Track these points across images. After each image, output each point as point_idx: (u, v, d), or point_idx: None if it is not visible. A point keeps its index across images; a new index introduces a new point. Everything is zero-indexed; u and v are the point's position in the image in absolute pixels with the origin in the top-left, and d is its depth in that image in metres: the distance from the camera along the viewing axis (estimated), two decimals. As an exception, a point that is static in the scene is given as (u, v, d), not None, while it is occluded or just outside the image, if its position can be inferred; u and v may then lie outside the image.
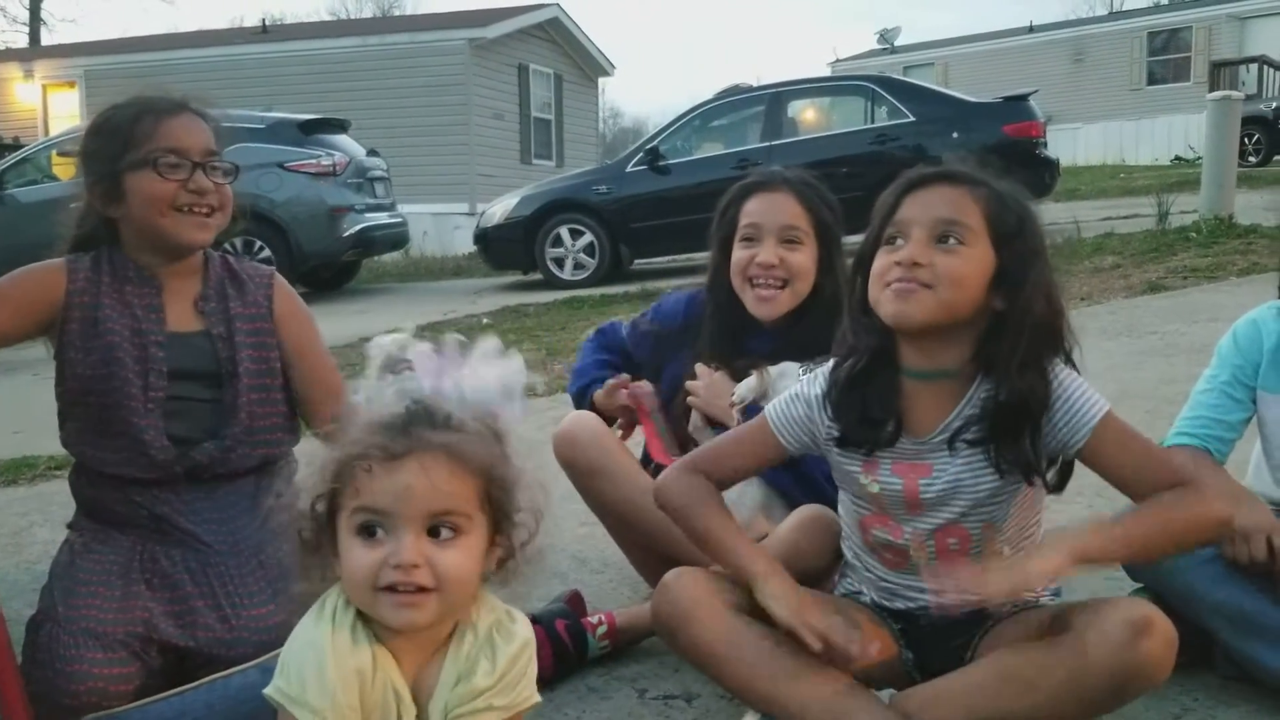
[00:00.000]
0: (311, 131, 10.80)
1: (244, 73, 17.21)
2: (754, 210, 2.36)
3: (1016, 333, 1.68)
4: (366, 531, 1.29)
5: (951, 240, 1.68)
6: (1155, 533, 1.65)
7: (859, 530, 1.91)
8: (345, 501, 1.31)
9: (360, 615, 1.34)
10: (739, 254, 2.35)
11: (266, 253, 10.14)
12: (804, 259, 2.33)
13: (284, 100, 14.05)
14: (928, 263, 1.67)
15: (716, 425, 2.35)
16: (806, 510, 2.10)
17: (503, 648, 1.39)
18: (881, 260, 1.73)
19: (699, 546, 1.88)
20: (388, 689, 1.34)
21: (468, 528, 1.33)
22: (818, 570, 2.01)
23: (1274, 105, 19.51)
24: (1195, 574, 1.88)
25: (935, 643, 1.86)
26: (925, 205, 1.71)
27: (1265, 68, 22.72)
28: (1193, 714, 1.88)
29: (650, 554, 2.37)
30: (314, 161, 10.39)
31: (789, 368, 2.23)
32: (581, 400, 2.53)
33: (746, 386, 2.28)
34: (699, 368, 2.40)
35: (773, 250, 2.31)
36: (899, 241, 1.72)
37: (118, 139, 1.99)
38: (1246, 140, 15.88)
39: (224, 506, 2.03)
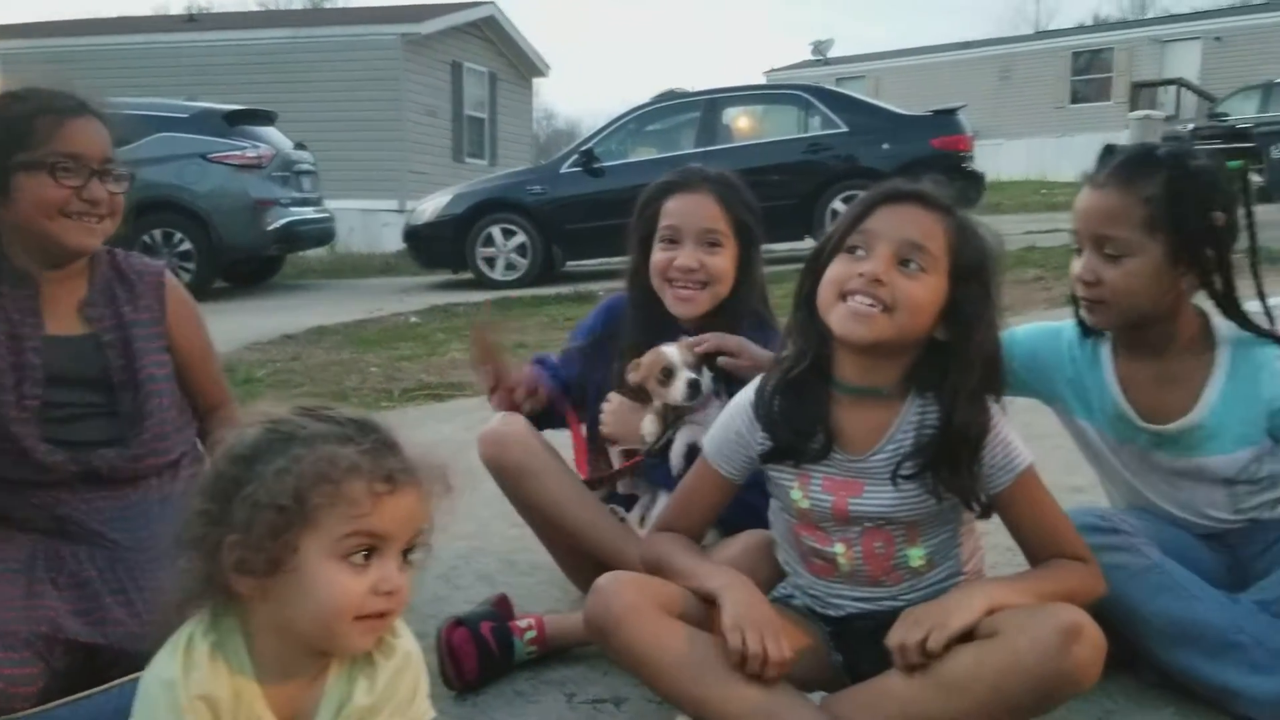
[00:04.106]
0: (237, 122, 10.62)
1: (168, 61, 16.85)
2: (674, 211, 2.34)
3: (966, 367, 1.70)
4: (359, 557, 1.25)
5: (914, 265, 1.68)
6: (1060, 596, 1.70)
7: (790, 537, 1.92)
8: (325, 523, 1.24)
9: (219, 648, 1.29)
10: (659, 255, 2.34)
11: (186, 245, 9.95)
12: (723, 262, 2.32)
13: (209, 90, 13.75)
14: (889, 282, 1.67)
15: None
16: (749, 536, 2.08)
17: (383, 664, 1.35)
18: (841, 267, 1.72)
19: (681, 585, 1.85)
20: None
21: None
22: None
23: (1191, 126, 20.07)
24: (1130, 585, 1.89)
25: (865, 645, 1.85)
26: (895, 222, 1.71)
27: (1183, 90, 23.41)
28: (1115, 716, 1.91)
29: (578, 556, 2.35)
30: (239, 153, 10.22)
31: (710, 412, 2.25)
32: None
33: (648, 427, 2.29)
34: (611, 395, 2.39)
35: (692, 254, 2.30)
36: (860, 252, 1.71)
37: (12, 134, 1.90)
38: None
39: (130, 507, 1.96)
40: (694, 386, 2.21)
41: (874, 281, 1.67)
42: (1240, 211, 1.99)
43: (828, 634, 1.90)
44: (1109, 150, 2.03)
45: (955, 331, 1.71)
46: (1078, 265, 1.99)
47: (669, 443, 2.27)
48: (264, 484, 1.23)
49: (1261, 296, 2.06)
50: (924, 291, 1.68)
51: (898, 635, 1.67)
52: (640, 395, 2.31)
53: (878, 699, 1.70)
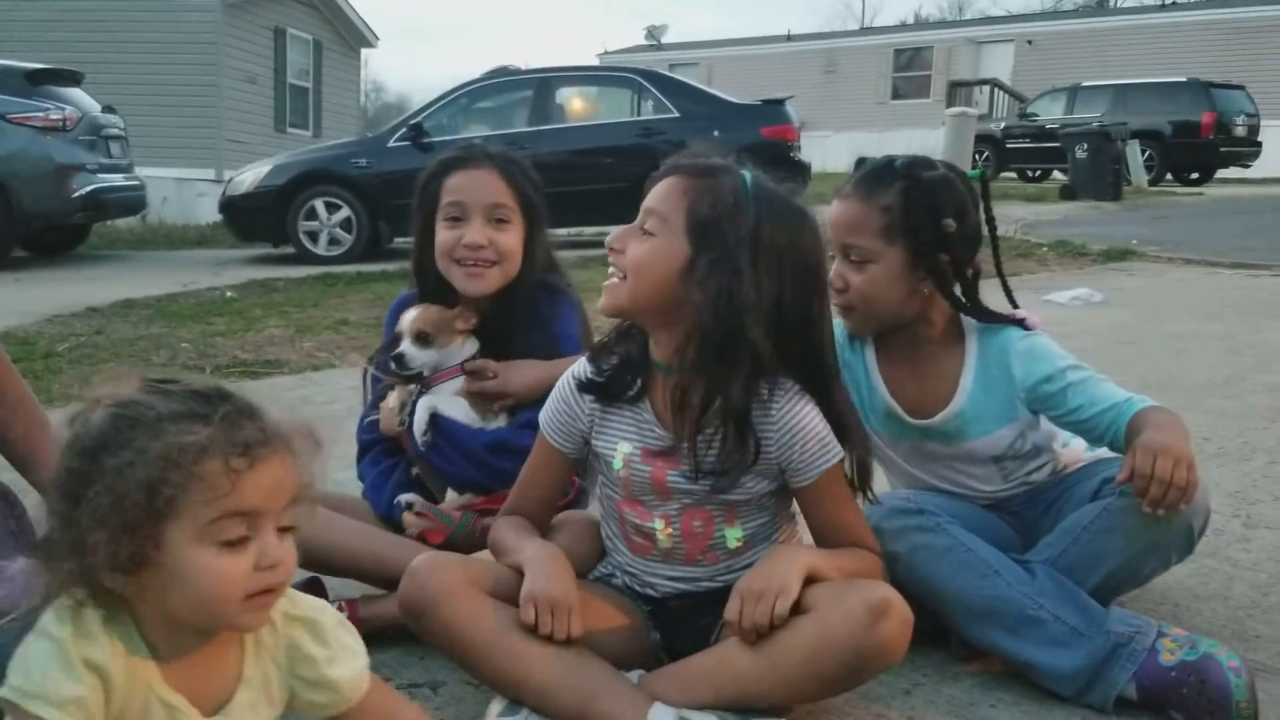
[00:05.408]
0: (40, 82, 9.97)
1: (-38, 13, 15.63)
2: (457, 187, 2.27)
3: (705, 328, 1.67)
4: (233, 537, 1.17)
5: (645, 227, 1.73)
6: (862, 574, 1.75)
7: (614, 514, 1.92)
8: (186, 511, 1.16)
9: (111, 624, 1.21)
10: (444, 234, 2.26)
11: (-19, 211, 9.29)
12: (512, 239, 2.27)
13: (9, 47, 12.86)
14: (622, 249, 1.73)
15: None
16: (570, 515, 2.06)
17: (320, 617, 1.35)
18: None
19: (503, 563, 1.83)
20: (152, 703, 1.22)
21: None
22: (579, 574, 1.98)
23: (1003, 125, 21.22)
24: (936, 564, 1.96)
25: (683, 624, 1.87)
26: (651, 194, 1.76)
27: (996, 90, 24.68)
28: (922, 688, 1.97)
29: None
30: (41, 114, 9.59)
31: (446, 387, 2.27)
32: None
33: (395, 399, 2.29)
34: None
35: (480, 230, 2.25)
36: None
37: None
38: (977, 157, 17.13)
39: None
40: (398, 359, 2.24)
41: (611, 250, 1.75)
42: (980, 217, 2.11)
43: (646, 613, 1.90)
44: (860, 162, 2.13)
45: (700, 292, 1.67)
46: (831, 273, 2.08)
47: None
48: (109, 481, 1.15)
49: (1006, 290, 2.25)
50: (647, 252, 1.71)
51: (745, 611, 1.66)
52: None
53: (694, 675, 1.72)
